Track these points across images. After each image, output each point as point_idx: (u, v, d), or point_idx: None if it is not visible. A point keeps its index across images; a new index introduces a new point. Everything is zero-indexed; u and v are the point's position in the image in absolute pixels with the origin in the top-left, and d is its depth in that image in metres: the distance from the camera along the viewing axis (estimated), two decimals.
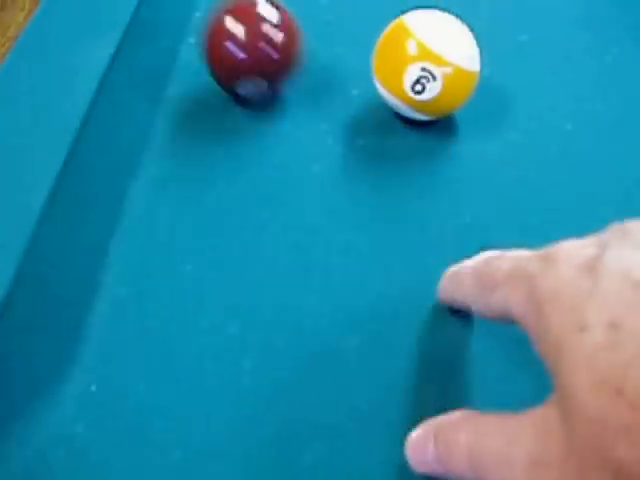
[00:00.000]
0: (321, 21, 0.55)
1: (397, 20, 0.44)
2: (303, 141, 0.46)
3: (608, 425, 0.19)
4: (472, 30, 0.44)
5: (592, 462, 0.20)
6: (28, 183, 0.39)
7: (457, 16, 0.44)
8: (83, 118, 0.42)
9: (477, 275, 0.30)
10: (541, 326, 0.23)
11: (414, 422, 0.30)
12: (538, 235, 0.41)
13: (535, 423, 0.23)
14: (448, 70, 0.42)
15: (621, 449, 0.19)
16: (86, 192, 0.41)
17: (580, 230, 0.41)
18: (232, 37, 0.43)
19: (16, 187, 0.39)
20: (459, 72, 0.42)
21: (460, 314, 0.36)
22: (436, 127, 0.46)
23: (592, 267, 0.21)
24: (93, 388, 0.34)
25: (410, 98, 0.43)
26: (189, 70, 0.50)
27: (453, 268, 0.34)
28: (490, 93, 0.48)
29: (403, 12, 0.44)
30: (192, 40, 0.52)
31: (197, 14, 0.54)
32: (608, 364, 0.20)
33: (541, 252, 0.25)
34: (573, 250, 0.23)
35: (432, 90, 0.42)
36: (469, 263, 0.32)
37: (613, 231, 0.23)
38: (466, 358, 0.36)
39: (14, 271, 0.35)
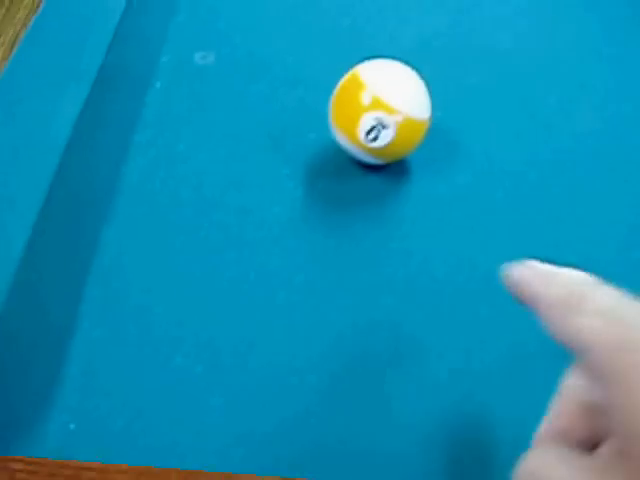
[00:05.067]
0: (280, 63, 0.58)
1: (351, 72, 0.47)
2: (265, 185, 0.49)
3: None
4: (422, 74, 0.47)
5: None
6: (5, 233, 0.41)
7: (408, 62, 0.47)
8: (56, 166, 0.44)
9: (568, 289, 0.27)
10: (626, 375, 0.23)
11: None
12: (486, 274, 0.44)
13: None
14: (399, 119, 0.45)
15: None
16: (60, 239, 0.43)
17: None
18: None
19: None
20: (410, 121, 0.46)
21: None
22: (389, 170, 0.50)
23: None
24: (72, 427, 0.36)
25: (365, 145, 0.46)
26: (156, 114, 0.52)
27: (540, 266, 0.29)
28: (440, 136, 0.51)
29: (359, 57, 0.47)
30: (158, 85, 0.54)
31: (163, 59, 0.57)
32: None
33: None
34: None
35: (385, 137, 0.45)
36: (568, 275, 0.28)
37: None
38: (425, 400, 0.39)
39: None
